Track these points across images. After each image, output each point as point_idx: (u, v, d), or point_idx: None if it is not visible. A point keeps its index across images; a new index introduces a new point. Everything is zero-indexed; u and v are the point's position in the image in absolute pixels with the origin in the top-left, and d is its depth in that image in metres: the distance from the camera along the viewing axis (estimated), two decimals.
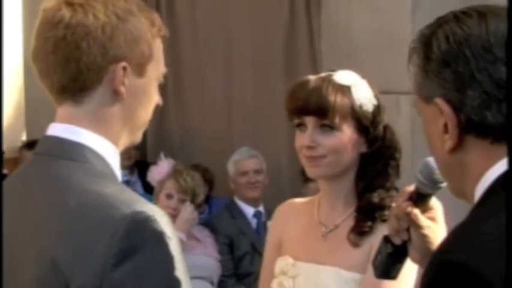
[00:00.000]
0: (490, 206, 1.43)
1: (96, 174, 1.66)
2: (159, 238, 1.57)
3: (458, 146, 1.49)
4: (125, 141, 1.75)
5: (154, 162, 5.33)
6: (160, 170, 5.04)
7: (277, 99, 5.83)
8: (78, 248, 1.57)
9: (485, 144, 1.47)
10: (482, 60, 1.45)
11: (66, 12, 1.67)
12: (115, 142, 1.72)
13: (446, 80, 1.47)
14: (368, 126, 2.37)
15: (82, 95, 1.69)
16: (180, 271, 1.58)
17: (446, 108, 1.47)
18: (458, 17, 1.50)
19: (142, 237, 1.56)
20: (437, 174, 1.74)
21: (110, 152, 1.70)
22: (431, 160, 1.72)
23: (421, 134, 5.18)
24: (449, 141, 1.49)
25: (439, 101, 1.48)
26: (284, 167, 5.83)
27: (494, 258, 1.32)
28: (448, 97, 1.47)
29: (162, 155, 5.15)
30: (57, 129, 1.71)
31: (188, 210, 4.82)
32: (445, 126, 1.49)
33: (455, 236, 1.42)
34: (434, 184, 1.78)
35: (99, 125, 1.70)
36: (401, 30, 4.85)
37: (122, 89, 1.70)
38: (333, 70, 2.43)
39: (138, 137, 1.79)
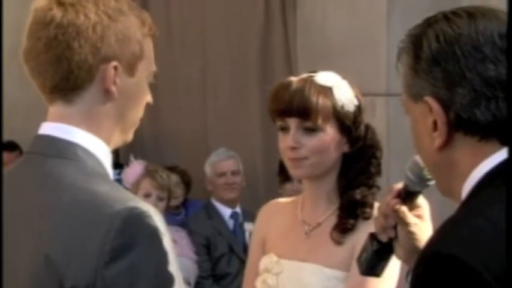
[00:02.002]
0: (478, 201, 1.46)
1: (89, 173, 1.67)
2: (153, 235, 1.58)
3: (447, 144, 1.51)
4: (117, 140, 1.77)
5: (126, 164, 5.31)
6: (133, 171, 5.01)
7: (253, 101, 5.88)
8: (72, 245, 1.58)
9: (473, 141, 1.50)
10: (471, 59, 1.48)
11: (57, 12, 1.68)
12: (107, 141, 1.73)
13: (436, 79, 1.50)
14: (350, 126, 2.41)
15: (73, 94, 1.70)
16: (174, 268, 1.60)
17: (435, 106, 1.50)
18: (448, 17, 1.53)
19: (136, 234, 1.57)
20: (426, 172, 1.76)
21: (102, 151, 1.72)
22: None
23: (396, 136, 5.22)
24: (438, 139, 1.51)
25: (429, 99, 1.51)
26: (259, 168, 5.85)
27: (483, 251, 1.35)
28: (437, 95, 1.50)
29: (131, 157, 5.13)
30: (49, 128, 1.72)
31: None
32: (434, 124, 1.51)
33: (445, 230, 1.45)
34: (422, 182, 1.81)
35: (90, 123, 1.71)
36: (377, 32, 4.90)
37: (113, 89, 1.71)
38: (314, 71, 2.46)
39: (129, 136, 1.80)
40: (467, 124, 1.49)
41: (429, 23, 1.55)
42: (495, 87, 1.47)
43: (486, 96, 1.47)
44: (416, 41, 1.54)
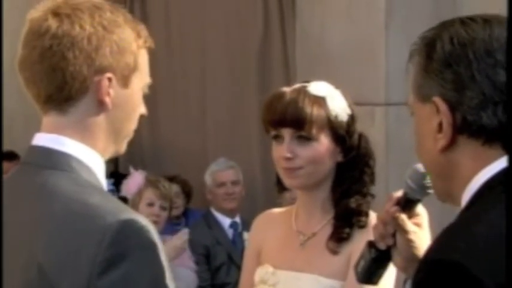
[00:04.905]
0: (479, 208, 1.46)
1: (82, 184, 1.67)
2: (145, 246, 1.58)
3: (450, 146, 1.52)
4: (110, 151, 1.77)
5: (126, 173, 5.31)
6: (134, 181, 5.02)
7: (251, 111, 5.87)
8: (64, 256, 1.58)
9: (476, 145, 1.50)
10: (483, 63, 1.49)
11: (52, 23, 1.69)
12: (100, 152, 1.73)
13: (446, 80, 1.51)
14: (344, 135, 2.42)
15: (68, 105, 1.70)
16: (167, 280, 1.60)
17: (443, 106, 1.51)
18: (464, 21, 1.55)
19: (129, 245, 1.57)
20: (427, 179, 1.77)
21: (95, 162, 1.72)
22: (420, 166, 1.75)
23: (395, 146, 5.21)
24: (442, 140, 1.52)
25: (437, 99, 1.52)
26: (258, 178, 5.85)
27: (485, 258, 1.35)
28: (446, 96, 1.51)
29: (131, 168, 5.14)
30: (42, 139, 1.72)
31: (182, 238, 4.83)
32: (440, 125, 1.52)
33: (447, 236, 1.45)
34: (423, 190, 1.82)
35: (84, 134, 1.71)
36: (376, 42, 4.89)
37: (107, 100, 1.71)
38: (307, 81, 2.48)
39: (122, 147, 1.80)
40: (473, 127, 1.50)
41: (445, 26, 1.56)
42: (504, 92, 1.48)
43: (494, 101, 1.48)
44: (430, 42, 1.55)
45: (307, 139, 2.38)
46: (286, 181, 2.43)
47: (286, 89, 2.44)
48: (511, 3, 1.57)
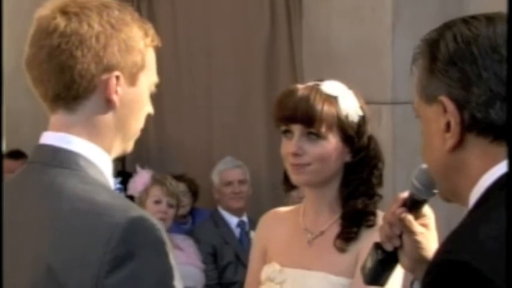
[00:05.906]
0: (488, 208, 1.46)
1: (90, 182, 1.67)
2: (153, 244, 1.59)
3: (458, 145, 1.51)
4: (117, 149, 1.77)
5: (133, 172, 5.33)
6: (141, 180, 5.05)
7: (258, 110, 5.88)
8: (73, 255, 1.58)
9: (485, 143, 1.50)
10: (489, 59, 1.49)
11: (61, 21, 1.69)
12: (108, 150, 1.74)
13: (452, 78, 1.50)
14: (353, 136, 2.42)
15: (75, 103, 1.71)
16: (175, 277, 1.60)
17: (450, 105, 1.50)
18: (466, 20, 1.55)
19: (137, 243, 1.57)
20: (433, 180, 1.76)
21: (102, 160, 1.72)
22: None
23: (402, 145, 5.20)
24: (450, 140, 1.52)
25: (444, 98, 1.51)
26: (264, 177, 5.84)
27: (495, 259, 1.35)
28: (453, 95, 1.50)
29: (137, 167, 5.16)
30: (50, 138, 1.72)
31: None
32: (447, 125, 1.52)
33: (456, 237, 1.44)
34: (429, 190, 1.81)
35: (92, 133, 1.71)
36: (382, 42, 4.89)
37: (115, 98, 1.71)
38: (321, 80, 2.48)
39: (129, 146, 1.81)
40: (482, 124, 1.49)
41: (448, 26, 1.56)
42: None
43: (502, 97, 1.48)
44: (433, 43, 1.55)
45: (316, 136, 2.38)
46: (293, 177, 2.43)
47: (299, 86, 2.46)
48: (511, 3, 1.56)
